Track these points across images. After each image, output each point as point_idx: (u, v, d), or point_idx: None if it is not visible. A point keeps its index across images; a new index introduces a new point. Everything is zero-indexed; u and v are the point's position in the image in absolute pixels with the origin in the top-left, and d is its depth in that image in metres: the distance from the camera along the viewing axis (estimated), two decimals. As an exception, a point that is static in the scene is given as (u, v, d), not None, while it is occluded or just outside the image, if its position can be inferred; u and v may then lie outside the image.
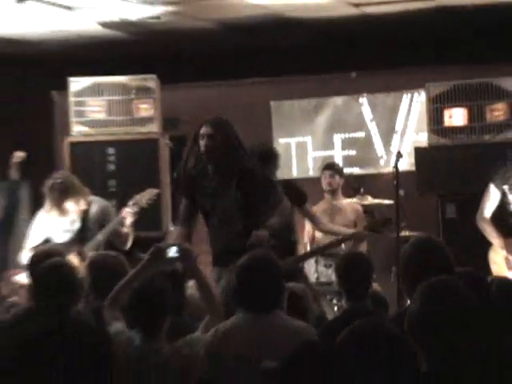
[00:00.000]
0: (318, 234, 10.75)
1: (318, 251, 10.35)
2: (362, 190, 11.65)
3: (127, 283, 6.62)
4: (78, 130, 11.82)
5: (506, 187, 9.43)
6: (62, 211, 9.63)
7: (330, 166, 11.44)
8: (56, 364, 5.89)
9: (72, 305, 6.40)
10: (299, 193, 9.87)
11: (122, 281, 6.71)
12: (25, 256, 9.57)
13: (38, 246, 9.83)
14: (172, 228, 10.84)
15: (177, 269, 7.37)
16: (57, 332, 6.10)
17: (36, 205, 12.31)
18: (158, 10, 11.09)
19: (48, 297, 6.28)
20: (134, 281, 6.68)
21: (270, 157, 9.70)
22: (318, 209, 10.86)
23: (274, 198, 9.30)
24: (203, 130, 8.69)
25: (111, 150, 11.68)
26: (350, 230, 10.35)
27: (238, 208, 8.62)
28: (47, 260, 6.86)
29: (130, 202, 10.03)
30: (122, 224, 9.74)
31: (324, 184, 11.08)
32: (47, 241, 9.82)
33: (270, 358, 5.53)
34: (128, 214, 9.81)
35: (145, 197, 10.29)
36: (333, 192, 11.05)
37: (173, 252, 6.89)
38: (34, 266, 7.20)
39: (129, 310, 6.17)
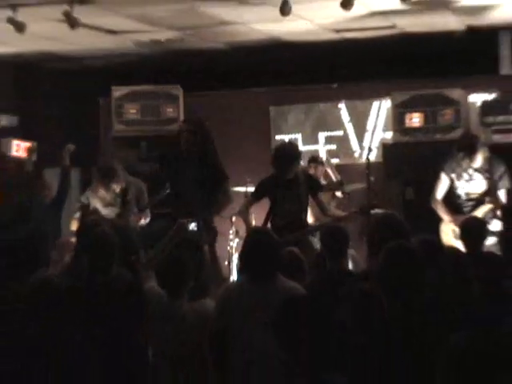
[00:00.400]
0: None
1: (319, 227, 9.94)
2: (340, 177, 11.61)
3: (159, 250, 7.06)
4: (118, 127, 12.23)
5: (453, 175, 9.69)
6: (107, 189, 9.95)
7: (314, 160, 11.72)
8: (102, 309, 6.11)
9: (113, 264, 6.48)
10: (317, 183, 10.04)
11: (155, 248, 7.14)
12: (74, 225, 9.98)
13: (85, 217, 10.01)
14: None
15: (196, 238, 7.71)
16: (102, 286, 6.31)
17: (83, 185, 12.98)
18: (181, 33, 11.63)
19: (94, 257, 6.45)
20: (164, 248, 7.13)
21: (297, 156, 9.70)
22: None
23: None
24: (184, 127, 9.19)
25: (143, 143, 12.07)
26: (346, 213, 10.22)
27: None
28: (94, 228, 6.95)
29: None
30: None
31: (311, 173, 10.94)
32: (94, 213, 10.03)
33: (266, 311, 5.52)
34: None
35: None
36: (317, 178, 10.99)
37: (192, 226, 7.54)
38: (82, 233, 7.33)
39: (160, 273, 6.38)
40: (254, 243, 6.14)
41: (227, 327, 5.88)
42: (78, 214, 10.44)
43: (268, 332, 5.24)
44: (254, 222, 9.95)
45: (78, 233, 7.60)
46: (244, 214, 9.71)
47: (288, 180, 9.42)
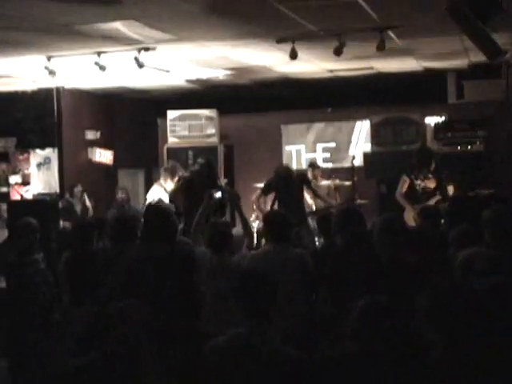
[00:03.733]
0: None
1: (315, 212, 10.31)
2: (333, 176, 11.91)
3: (201, 215, 6.86)
4: (172, 140, 12.48)
5: (412, 176, 9.52)
6: (172, 182, 9.80)
7: (312, 165, 11.77)
8: (169, 270, 5.58)
9: (176, 235, 6.05)
10: (306, 179, 9.99)
11: (198, 213, 6.86)
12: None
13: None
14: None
15: (223, 203, 7.64)
16: (169, 252, 5.73)
17: (146, 183, 13.58)
18: (219, 73, 11.51)
19: (160, 231, 5.85)
20: (204, 212, 6.92)
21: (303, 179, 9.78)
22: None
23: None
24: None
25: (190, 152, 12.28)
26: (334, 202, 10.54)
27: None
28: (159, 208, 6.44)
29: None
30: None
31: (309, 174, 11.18)
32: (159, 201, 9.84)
33: (282, 271, 5.49)
34: None
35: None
36: (315, 178, 11.27)
37: (218, 194, 7.29)
38: (149, 213, 6.72)
39: (205, 236, 6.17)
40: (273, 218, 6.09)
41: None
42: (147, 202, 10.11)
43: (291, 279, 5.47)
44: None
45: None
46: (257, 203, 9.77)
47: (286, 179, 9.41)
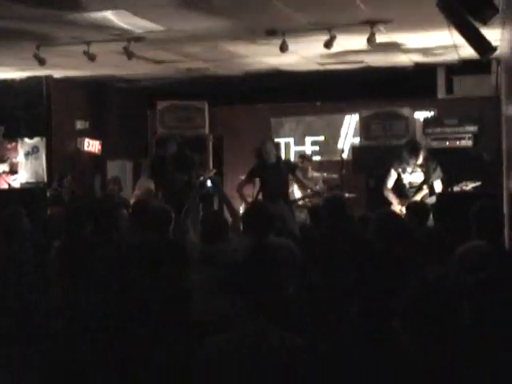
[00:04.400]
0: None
1: (301, 198, 10.40)
2: (321, 169, 11.72)
3: (189, 206, 7.02)
4: (161, 131, 12.27)
5: (399, 170, 9.39)
6: None
7: (302, 156, 11.76)
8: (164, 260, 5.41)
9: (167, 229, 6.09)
10: (292, 165, 9.80)
11: (187, 201, 6.94)
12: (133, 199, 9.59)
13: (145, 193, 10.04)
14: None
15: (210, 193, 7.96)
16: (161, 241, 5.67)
17: (134, 173, 13.48)
18: (209, 64, 11.49)
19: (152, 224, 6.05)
20: (192, 203, 7.15)
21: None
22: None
23: None
24: None
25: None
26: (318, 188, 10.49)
27: None
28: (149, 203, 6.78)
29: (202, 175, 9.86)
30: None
31: (300, 165, 10.89)
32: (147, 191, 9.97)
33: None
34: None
35: (211, 171, 10.43)
36: (305, 170, 11.16)
37: (209, 183, 7.83)
38: (138, 207, 6.83)
39: (200, 227, 6.09)
40: (255, 210, 5.96)
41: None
42: (138, 193, 10.27)
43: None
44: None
45: (136, 206, 7.14)
46: (239, 191, 9.38)
47: (271, 164, 9.16)
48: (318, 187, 10.82)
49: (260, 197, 9.41)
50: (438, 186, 9.35)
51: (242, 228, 6.10)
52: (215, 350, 3.43)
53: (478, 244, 4.61)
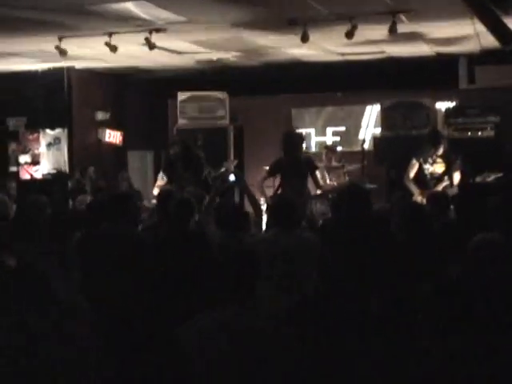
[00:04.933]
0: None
1: (320, 195, 9.98)
2: (343, 160, 11.39)
3: (213, 198, 6.79)
4: (182, 122, 12.33)
5: (421, 160, 9.35)
6: None
7: (326, 147, 11.61)
8: (182, 251, 5.71)
9: (190, 219, 6.07)
10: (313, 165, 9.49)
11: (208, 199, 6.72)
12: (156, 191, 9.67)
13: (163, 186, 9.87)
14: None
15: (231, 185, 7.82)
16: (182, 235, 5.96)
17: (155, 164, 13.58)
18: (230, 54, 11.54)
19: (175, 215, 6.06)
20: (214, 198, 6.91)
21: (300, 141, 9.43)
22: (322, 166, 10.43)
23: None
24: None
25: (199, 133, 11.73)
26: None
27: None
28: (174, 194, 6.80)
29: (225, 165, 10.14)
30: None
31: (324, 157, 11.06)
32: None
33: (288, 255, 5.56)
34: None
35: (233, 162, 10.82)
36: (329, 161, 11.10)
37: (232, 177, 7.71)
38: (163, 198, 6.84)
39: (216, 216, 6.25)
40: (281, 204, 5.98)
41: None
42: (161, 183, 10.07)
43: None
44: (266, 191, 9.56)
45: (160, 197, 7.12)
46: (259, 186, 9.27)
47: (293, 161, 9.11)
48: (335, 183, 10.77)
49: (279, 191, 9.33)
50: (457, 178, 9.31)
51: (266, 221, 6.14)
52: (197, 334, 3.44)
53: (491, 236, 4.53)
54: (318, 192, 10.27)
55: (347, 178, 11.14)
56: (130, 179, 11.60)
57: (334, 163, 11.37)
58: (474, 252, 4.24)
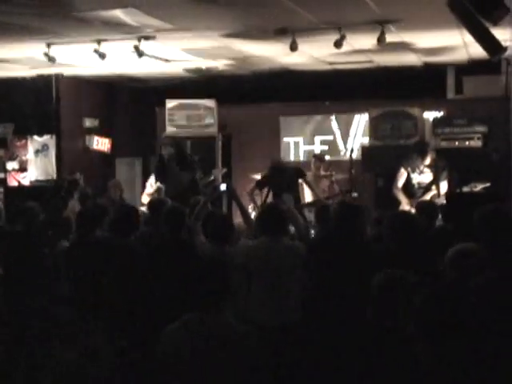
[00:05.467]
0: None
1: (308, 205, 10.02)
2: (330, 169, 11.54)
3: (202, 207, 6.72)
4: (170, 129, 12.31)
5: (409, 169, 9.53)
6: None
7: (316, 156, 11.78)
8: (173, 259, 5.87)
9: (181, 228, 6.25)
10: (301, 172, 9.86)
11: (198, 206, 6.74)
12: (146, 199, 9.91)
13: (151, 194, 10.18)
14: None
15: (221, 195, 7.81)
16: (173, 242, 6.13)
17: (144, 171, 13.52)
18: (218, 63, 11.50)
19: (166, 223, 6.21)
20: (205, 205, 6.84)
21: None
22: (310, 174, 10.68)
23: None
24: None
25: (188, 142, 12.20)
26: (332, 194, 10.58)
27: None
28: (162, 203, 6.93)
29: (213, 173, 10.52)
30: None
31: (312, 166, 11.21)
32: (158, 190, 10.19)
33: (278, 260, 5.74)
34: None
35: (222, 170, 11.11)
36: (317, 169, 11.23)
37: (223, 187, 7.14)
38: (153, 206, 7.09)
39: (205, 226, 6.26)
40: (269, 212, 6.05)
41: (249, 268, 5.84)
42: (150, 191, 10.28)
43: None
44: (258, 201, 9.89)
45: (151, 206, 7.25)
46: (251, 196, 9.71)
47: (279, 174, 9.44)
48: (326, 191, 10.87)
49: (269, 199, 9.55)
50: (444, 187, 9.36)
51: (255, 229, 6.16)
52: (169, 340, 3.64)
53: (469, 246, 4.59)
54: (308, 201, 10.45)
55: (336, 187, 11.18)
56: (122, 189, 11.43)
57: (322, 172, 11.40)
58: (451, 261, 4.32)
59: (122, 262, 5.76)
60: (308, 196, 10.75)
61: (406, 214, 6.26)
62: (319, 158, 11.65)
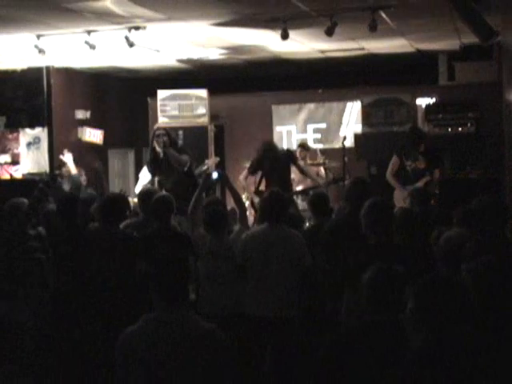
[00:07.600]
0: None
1: (301, 192, 10.29)
2: (323, 157, 11.71)
3: (198, 198, 6.66)
4: (162, 120, 12.19)
5: (402, 156, 9.46)
6: None
7: (301, 145, 11.70)
8: (162, 249, 5.91)
9: (169, 218, 6.38)
10: (292, 155, 9.80)
11: (194, 197, 6.66)
12: (137, 188, 10.03)
13: (144, 185, 10.18)
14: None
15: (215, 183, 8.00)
16: (163, 232, 6.25)
17: (136, 162, 13.67)
18: (210, 52, 11.46)
19: (160, 214, 6.34)
20: (200, 195, 6.79)
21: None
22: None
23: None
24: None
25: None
26: (321, 181, 10.39)
27: None
28: (153, 193, 6.87)
29: (206, 163, 10.51)
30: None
31: (298, 155, 10.90)
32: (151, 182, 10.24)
33: (278, 248, 5.78)
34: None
35: (214, 160, 11.03)
36: (303, 159, 11.09)
37: (215, 175, 7.10)
38: (144, 196, 7.05)
39: (204, 220, 6.23)
40: (272, 200, 6.04)
41: (247, 262, 5.90)
42: (145, 181, 10.33)
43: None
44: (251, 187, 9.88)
45: (141, 196, 7.25)
46: (244, 182, 9.77)
47: (273, 157, 9.34)
48: (319, 178, 10.78)
49: (262, 187, 9.47)
50: (437, 174, 9.36)
51: (258, 216, 6.21)
52: (131, 340, 3.53)
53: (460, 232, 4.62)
54: (300, 188, 10.47)
55: (330, 175, 11.19)
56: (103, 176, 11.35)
57: (309, 161, 11.42)
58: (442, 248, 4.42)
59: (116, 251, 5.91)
60: (299, 182, 10.77)
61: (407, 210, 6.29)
62: (304, 146, 11.65)
